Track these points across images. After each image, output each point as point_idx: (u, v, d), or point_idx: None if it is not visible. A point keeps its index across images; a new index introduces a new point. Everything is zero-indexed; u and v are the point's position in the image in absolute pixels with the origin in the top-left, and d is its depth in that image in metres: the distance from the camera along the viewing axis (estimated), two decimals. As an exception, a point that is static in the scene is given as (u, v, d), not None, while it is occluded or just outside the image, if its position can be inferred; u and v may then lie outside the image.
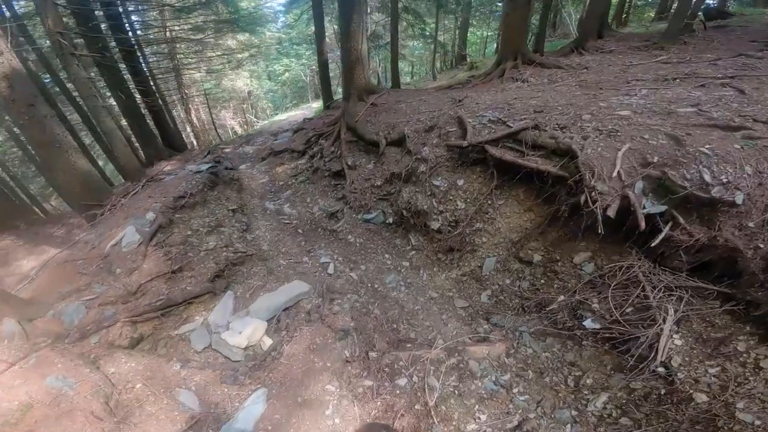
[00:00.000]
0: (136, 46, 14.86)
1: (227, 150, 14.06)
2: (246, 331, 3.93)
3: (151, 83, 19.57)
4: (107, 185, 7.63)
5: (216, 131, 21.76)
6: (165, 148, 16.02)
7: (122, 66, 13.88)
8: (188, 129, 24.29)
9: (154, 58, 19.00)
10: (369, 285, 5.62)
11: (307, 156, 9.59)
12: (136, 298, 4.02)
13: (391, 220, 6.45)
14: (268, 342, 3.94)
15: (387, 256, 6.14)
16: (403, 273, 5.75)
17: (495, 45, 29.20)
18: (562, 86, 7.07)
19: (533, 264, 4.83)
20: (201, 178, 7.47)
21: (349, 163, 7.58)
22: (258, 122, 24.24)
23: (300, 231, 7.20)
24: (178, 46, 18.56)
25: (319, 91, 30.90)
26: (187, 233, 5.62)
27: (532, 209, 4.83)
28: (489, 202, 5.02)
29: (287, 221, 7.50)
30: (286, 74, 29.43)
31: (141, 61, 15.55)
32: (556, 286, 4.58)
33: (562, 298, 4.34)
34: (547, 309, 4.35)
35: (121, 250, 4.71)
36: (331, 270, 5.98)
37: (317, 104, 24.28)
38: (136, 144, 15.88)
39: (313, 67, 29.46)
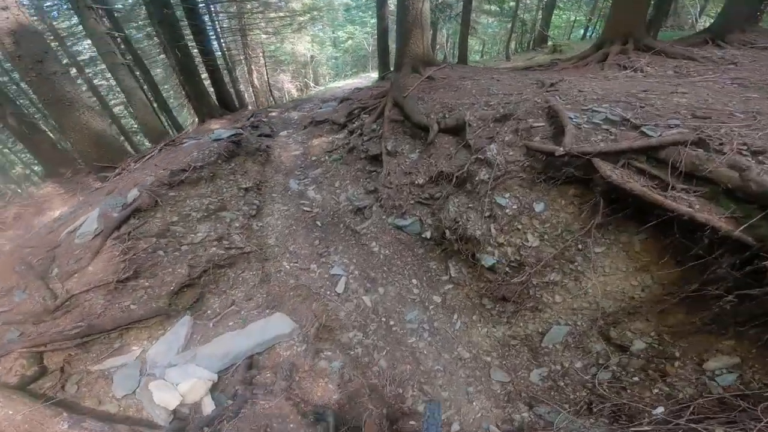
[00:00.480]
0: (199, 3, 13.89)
1: (273, 114, 12.85)
2: (183, 385, 2.59)
3: (215, 42, 18.90)
4: (124, 147, 6.65)
5: (271, 94, 20.77)
6: (218, 108, 15.28)
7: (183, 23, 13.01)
8: (249, 90, 23.69)
9: (222, 17, 18.16)
10: (383, 319, 4.08)
11: (346, 131, 7.99)
12: (54, 318, 2.81)
13: (429, 234, 4.75)
14: (209, 407, 2.58)
15: (415, 281, 4.50)
16: (430, 312, 4.11)
17: (582, 30, 24.93)
18: (707, 83, 4.66)
19: (630, 352, 2.98)
20: (217, 147, 6.21)
21: (389, 147, 5.86)
22: (314, 88, 22.92)
23: (319, 224, 5.76)
24: (244, 5, 17.43)
25: (381, 62, 28.92)
26: (171, 220, 4.38)
27: (652, 271, 2.89)
28: (580, 246, 3.13)
29: (307, 208, 6.08)
30: (349, 42, 27.52)
31: (202, 19, 14.60)
32: (656, 391, 2.76)
33: (660, 410, 2.56)
34: (631, 423, 2.61)
35: (74, 241, 3.54)
36: (341, 287, 4.50)
37: (376, 75, 22.34)
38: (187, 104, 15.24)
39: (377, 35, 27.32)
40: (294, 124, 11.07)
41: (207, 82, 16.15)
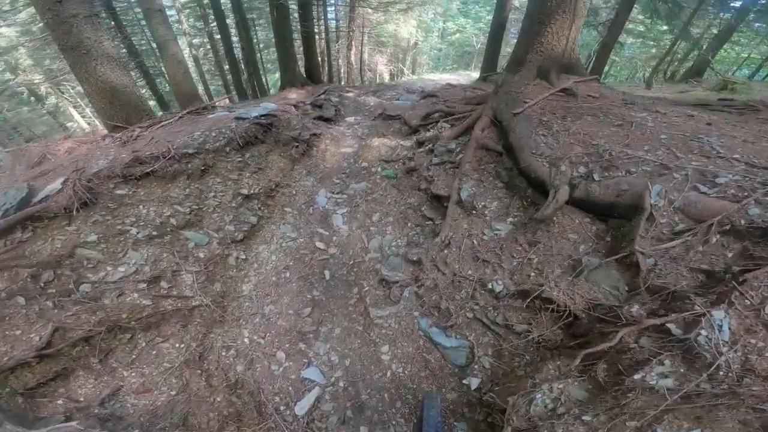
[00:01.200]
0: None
1: (349, 94, 10.80)
2: None
3: (321, 11, 17.37)
4: (144, 106, 5.11)
5: (363, 74, 18.86)
6: (302, 77, 13.83)
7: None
8: (343, 66, 22.14)
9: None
10: None
11: (414, 139, 5.61)
12: None
13: (477, 382, 2.29)
14: None
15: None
16: None
17: (748, 71, 18.66)
18: None
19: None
20: (235, 128, 4.30)
21: (464, 194, 3.37)
22: (408, 76, 20.49)
23: (327, 276, 3.61)
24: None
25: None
26: (86, 239, 2.54)
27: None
28: None
29: (322, 245, 3.95)
30: (457, 35, 24.23)
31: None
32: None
33: None
34: None
35: None
36: (303, 408, 2.37)
37: (477, 74, 19.12)
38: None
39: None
40: (366, 111, 8.95)
41: (301, 50, 14.80)
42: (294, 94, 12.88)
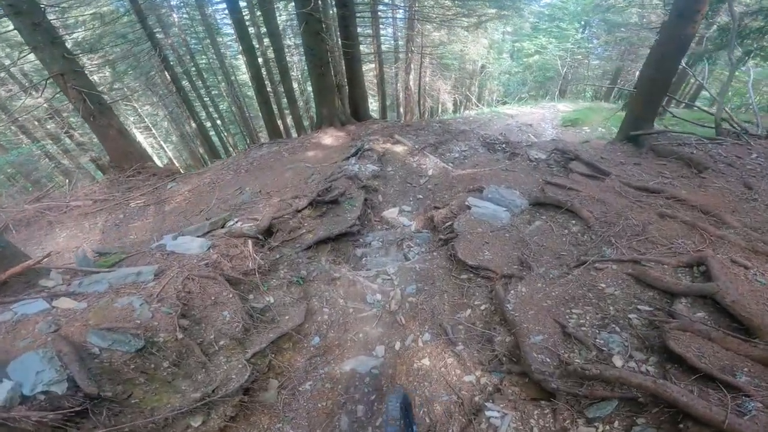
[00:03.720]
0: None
1: (397, 149, 7.33)
2: None
3: (370, 26, 14.30)
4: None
5: (420, 102, 15.36)
6: (343, 113, 10.69)
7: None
8: (401, 91, 18.92)
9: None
10: None
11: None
12: None
13: None
14: None
15: None
16: None
17: None
18: None
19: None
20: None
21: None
22: (477, 107, 16.59)
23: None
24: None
25: (578, 88, 20.18)
26: None
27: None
28: None
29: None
30: (536, 56, 19.81)
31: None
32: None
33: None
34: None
35: None
36: None
37: (565, 107, 14.58)
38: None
39: (578, 56, 18.78)
40: (418, 191, 5.35)
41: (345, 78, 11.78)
42: (329, 138, 9.65)
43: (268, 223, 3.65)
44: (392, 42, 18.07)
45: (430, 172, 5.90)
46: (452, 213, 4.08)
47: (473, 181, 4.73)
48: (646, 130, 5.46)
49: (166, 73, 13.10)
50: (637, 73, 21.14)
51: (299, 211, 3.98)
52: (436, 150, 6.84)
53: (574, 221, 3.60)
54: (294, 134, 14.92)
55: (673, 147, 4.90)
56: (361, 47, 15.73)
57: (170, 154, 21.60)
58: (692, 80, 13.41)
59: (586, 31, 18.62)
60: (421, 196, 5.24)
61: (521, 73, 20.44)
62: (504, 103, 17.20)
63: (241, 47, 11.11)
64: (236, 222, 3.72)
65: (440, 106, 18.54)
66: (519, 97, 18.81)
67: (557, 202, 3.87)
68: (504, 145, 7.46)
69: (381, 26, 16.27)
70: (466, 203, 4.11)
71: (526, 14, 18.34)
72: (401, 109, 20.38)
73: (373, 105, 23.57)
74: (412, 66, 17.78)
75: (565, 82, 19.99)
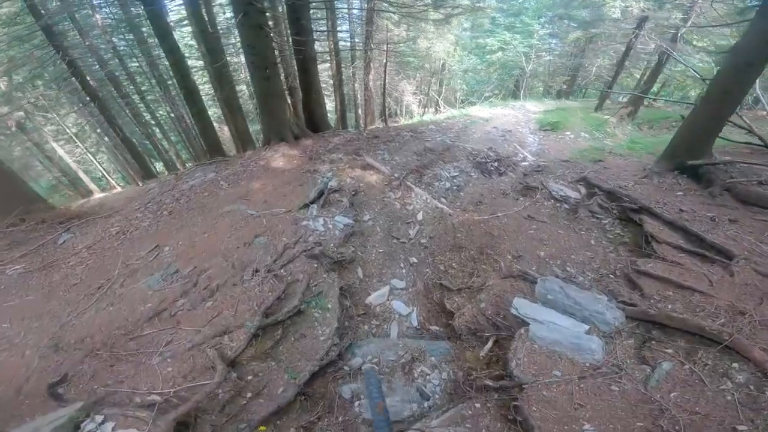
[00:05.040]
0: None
1: (372, 178, 5.70)
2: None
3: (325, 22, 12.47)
4: None
5: (384, 105, 13.76)
6: (295, 125, 8.78)
7: None
8: (360, 92, 17.17)
9: None
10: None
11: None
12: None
13: None
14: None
15: None
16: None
17: None
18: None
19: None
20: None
21: None
22: (444, 110, 15.36)
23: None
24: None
25: (547, 88, 19.69)
26: None
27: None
28: None
29: None
30: (499, 53, 19.04)
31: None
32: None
33: None
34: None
35: None
36: None
37: (534, 107, 13.87)
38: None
39: (544, 53, 18.33)
40: (416, 248, 3.80)
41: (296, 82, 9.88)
42: (280, 159, 7.78)
43: (176, 417, 1.86)
44: (349, 39, 16.23)
45: (420, 216, 4.37)
46: (486, 317, 2.56)
47: (492, 242, 3.27)
48: (710, 160, 4.28)
49: (74, 79, 10.42)
50: (594, 69, 21.37)
51: (233, 363, 2.23)
52: (420, 178, 5.32)
53: (735, 363, 2.16)
54: (259, 148, 12.65)
55: (764, 191, 3.74)
56: (316, 45, 13.70)
57: (104, 167, 18.05)
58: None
59: (550, 26, 18.12)
60: (415, 260, 3.70)
61: (485, 70, 19.61)
62: (471, 104, 16.17)
63: (162, 48, 8.72)
64: (102, 423, 1.84)
65: (404, 108, 17.12)
66: (484, 96, 17.96)
67: (697, 329, 2.33)
68: (496, 163, 6.15)
69: (338, 20, 14.40)
70: (515, 312, 2.57)
71: (487, 10, 17.46)
72: (360, 111, 18.63)
73: (329, 105, 21.53)
74: (371, 65, 16.12)
75: (531, 80, 19.53)
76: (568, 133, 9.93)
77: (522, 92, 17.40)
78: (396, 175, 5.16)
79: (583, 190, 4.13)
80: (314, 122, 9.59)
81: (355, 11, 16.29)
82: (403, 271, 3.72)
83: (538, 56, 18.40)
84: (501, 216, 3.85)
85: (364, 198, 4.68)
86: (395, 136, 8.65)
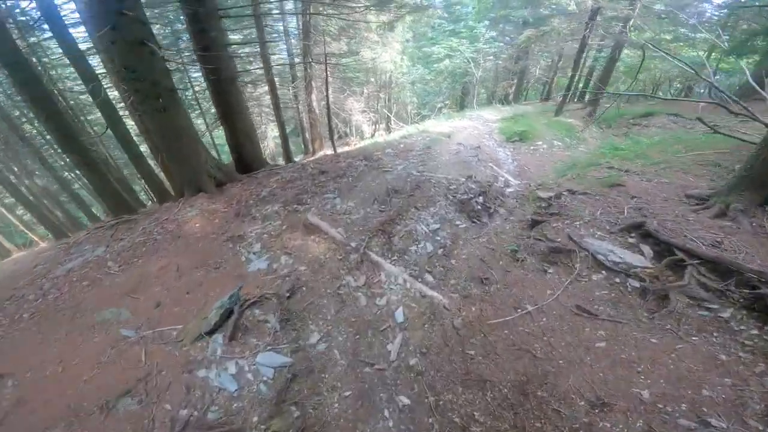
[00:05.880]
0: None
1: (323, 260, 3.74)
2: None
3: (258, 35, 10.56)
4: None
5: (330, 126, 12.09)
6: (216, 168, 6.77)
7: None
8: (304, 115, 15.38)
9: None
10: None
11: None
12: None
13: None
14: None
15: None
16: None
17: None
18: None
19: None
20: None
21: None
22: (398, 127, 14.06)
23: None
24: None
25: (497, 96, 19.27)
26: None
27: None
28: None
29: None
30: (447, 61, 18.38)
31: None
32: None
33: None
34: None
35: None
36: None
37: (491, 116, 13.04)
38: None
39: (491, 57, 17.95)
40: (405, 383, 2.05)
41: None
42: (196, 219, 5.84)
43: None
44: (287, 56, 14.47)
45: (399, 315, 2.71)
46: None
47: (537, 370, 1.75)
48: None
49: None
50: (538, 70, 21.64)
51: None
52: (389, 241, 3.67)
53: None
54: (173, 199, 10.11)
55: None
56: (251, 65, 11.78)
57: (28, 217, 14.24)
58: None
59: (496, 29, 17.76)
60: (406, 400, 2.07)
61: (434, 80, 18.84)
62: (425, 117, 15.10)
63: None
64: None
65: (355, 129, 15.60)
66: (437, 108, 17.07)
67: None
68: (481, 198, 4.69)
69: (270, 34, 12.59)
70: None
71: (426, 16, 16.75)
72: (306, 135, 16.82)
73: (274, 131, 19.37)
74: (313, 84, 14.47)
75: (480, 87, 19.07)
76: (540, 143, 8.95)
77: (474, 100, 16.76)
78: (354, 244, 3.47)
79: (647, 249, 2.73)
80: (244, 161, 7.64)
81: (291, 28, 14.63)
82: (390, 424, 2.03)
83: (486, 60, 18.00)
84: (534, 312, 2.33)
85: (309, 296, 2.92)
86: (346, 169, 6.99)
